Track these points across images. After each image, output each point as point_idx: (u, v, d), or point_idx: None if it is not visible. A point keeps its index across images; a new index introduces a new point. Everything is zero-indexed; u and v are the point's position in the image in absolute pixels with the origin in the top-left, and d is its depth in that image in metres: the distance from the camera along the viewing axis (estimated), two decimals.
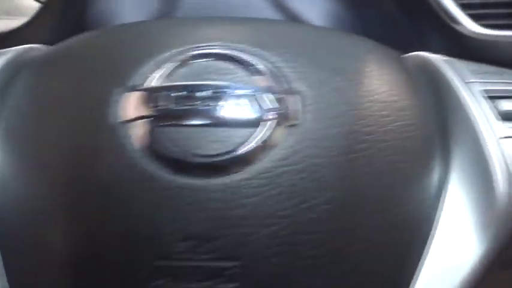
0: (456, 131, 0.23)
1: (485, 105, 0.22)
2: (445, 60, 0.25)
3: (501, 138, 0.21)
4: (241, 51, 0.21)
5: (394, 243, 0.20)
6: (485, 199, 0.21)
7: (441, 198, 0.21)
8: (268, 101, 0.19)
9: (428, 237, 0.21)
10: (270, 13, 0.48)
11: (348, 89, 0.21)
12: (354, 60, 0.23)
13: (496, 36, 0.54)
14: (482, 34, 0.54)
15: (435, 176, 0.22)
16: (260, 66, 0.21)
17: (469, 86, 0.23)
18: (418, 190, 0.21)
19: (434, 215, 0.21)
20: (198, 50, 0.21)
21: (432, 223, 0.21)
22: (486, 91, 0.23)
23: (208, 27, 0.24)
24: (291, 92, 0.20)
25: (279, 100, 0.20)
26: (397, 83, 0.23)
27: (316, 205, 0.19)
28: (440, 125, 0.23)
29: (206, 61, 0.21)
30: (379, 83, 0.22)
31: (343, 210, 0.19)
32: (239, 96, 0.20)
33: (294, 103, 0.20)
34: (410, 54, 0.27)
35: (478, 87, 0.23)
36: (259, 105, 0.19)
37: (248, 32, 0.23)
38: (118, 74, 0.21)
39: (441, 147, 0.22)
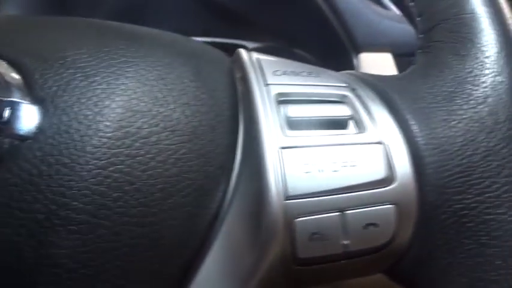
0: (248, 143, 0.21)
1: (275, 111, 0.20)
2: (254, 60, 0.23)
3: (282, 148, 0.19)
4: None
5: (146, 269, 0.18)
6: (258, 215, 0.19)
7: (219, 222, 0.20)
8: None
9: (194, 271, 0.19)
10: None
11: (108, 96, 0.19)
12: (140, 64, 0.21)
13: None
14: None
15: (212, 201, 0.20)
16: (9, 73, 0.19)
17: (267, 90, 0.21)
18: (187, 216, 0.19)
19: (209, 243, 0.19)
20: None
21: (204, 255, 0.19)
22: (280, 95, 0.21)
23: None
24: (31, 101, 0.18)
25: (12, 111, 0.18)
26: (186, 91, 0.21)
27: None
28: (234, 138, 0.21)
29: None
30: (158, 90, 0.20)
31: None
32: None
33: (31, 114, 0.18)
34: (235, 53, 0.25)
35: (274, 91, 0.21)
36: None
37: (33, 36, 0.21)
38: None
39: (227, 165, 0.20)
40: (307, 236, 0.19)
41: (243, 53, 0.24)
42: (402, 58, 0.49)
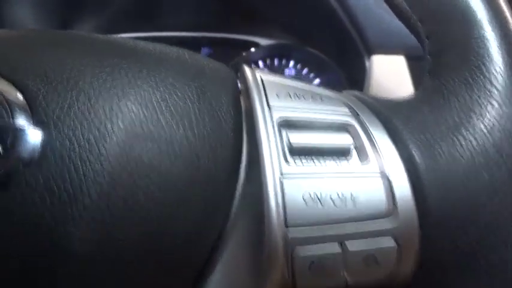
0: (250, 167, 0.21)
1: (277, 136, 0.20)
2: (259, 79, 0.23)
3: (283, 175, 0.19)
4: None
5: None
6: (258, 242, 0.19)
7: (221, 245, 0.20)
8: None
9: None
10: None
11: (110, 119, 0.19)
12: (143, 86, 0.20)
13: None
14: None
15: (214, 225, 0.20)
16: (12, 94, 0.19)
17: (270, 113, 0.21)
18: (188, 240, 0.19)
19: (211, 267, 0.20)
20: None
21: (205, 280, 0.19)
22: (282, 118, 0.21)
23: None
24: (34, 124, 0.18)
25: (15, 136, 0.18)
26: (189, 112, 0.21)
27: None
28: (237, 161, 0.21)
29: None
30: (160, 113, 0.20)
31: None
32: None
33: (34, 139, 0.18)
34: (240, 69, 0.25)
35: (277, 114, 0.21)
36: None
37: (28, 53, 0.21)
38: None
39: (230, 188, 0.20)
40: (306, 265, 0.19)
41: (247, 71, 0.24)
42: (415, 62, 0.48)
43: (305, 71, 0.64)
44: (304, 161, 0.20)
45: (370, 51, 0.50)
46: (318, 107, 0.21)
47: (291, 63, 0.64)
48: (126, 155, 0.19)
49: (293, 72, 0.64)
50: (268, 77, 0.23)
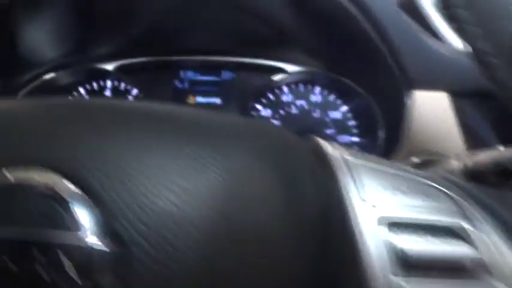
0: (349, 269, 0.18)
1: (383, 241, 0.18)
2: (349, 163, 0.20)
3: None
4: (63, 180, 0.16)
5: None
6: None
7: None
8: (67, 257, 0.15)
9: None
10: None
11: (186, 217, 0.16)
12: (215, 171, 0.18)
13: None
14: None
15: None
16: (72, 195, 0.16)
17: (370, 210, 0.18)
18: None
19: None
20: None
21: None
22: (385, 219, 0.18)
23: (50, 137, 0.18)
24: (105, 237, 0.16)
25: (83, 255, 0.15)
26: (268, 200, 0.18)
27: None
28: (317, 258, 0.18)
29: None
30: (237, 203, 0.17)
31: None
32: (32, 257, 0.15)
33: (107, 258, 0.16)
34: (316, 143, 0.22)
35: (378, 213, 0.18)
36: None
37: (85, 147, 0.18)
38: None
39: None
40: None
41: (329, 148, 0.21)
42: (459, 99, 0.46)
43: (332, 97, 0.61)
44: (420, 276, 0.17)
45: (411, 86, 0.47)
46: (420, 203, 0.19)
47: (317, 89, 0.62)
48: (207, 259, 0.16)
49: (320, 98, 0.62)
50: (356, 160, 0.20)
